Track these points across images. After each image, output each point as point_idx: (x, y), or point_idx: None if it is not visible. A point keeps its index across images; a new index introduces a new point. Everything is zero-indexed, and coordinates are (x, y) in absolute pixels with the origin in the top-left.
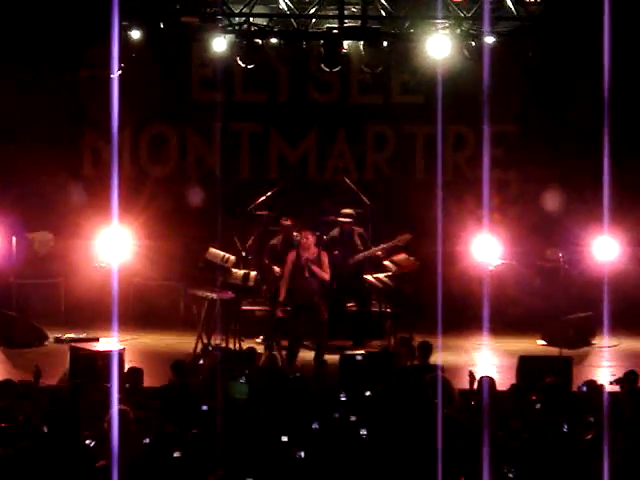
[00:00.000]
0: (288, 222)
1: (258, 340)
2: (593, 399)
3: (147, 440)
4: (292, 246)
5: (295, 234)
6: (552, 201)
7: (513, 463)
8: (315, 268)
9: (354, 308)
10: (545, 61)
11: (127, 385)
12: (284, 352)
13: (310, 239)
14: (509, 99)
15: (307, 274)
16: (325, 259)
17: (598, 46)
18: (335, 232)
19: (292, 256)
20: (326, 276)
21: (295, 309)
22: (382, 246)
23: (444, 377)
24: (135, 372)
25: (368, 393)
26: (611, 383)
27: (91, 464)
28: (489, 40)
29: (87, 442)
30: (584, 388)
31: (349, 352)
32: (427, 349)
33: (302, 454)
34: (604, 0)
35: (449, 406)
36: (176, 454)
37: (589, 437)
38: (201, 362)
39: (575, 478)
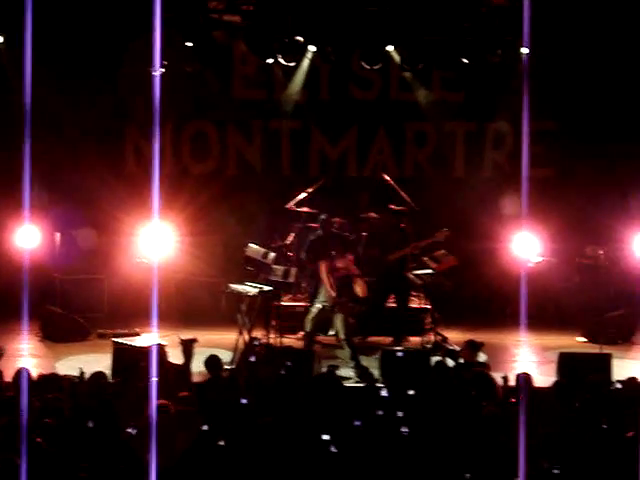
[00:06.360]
0: (336, 222)
1: (298, 336)
2: (633, 396)
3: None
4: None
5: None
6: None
7: (554, 459)
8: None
9: (393, 304)
10: (584, 57)
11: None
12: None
13: (350, 260)
14: (549, 96)
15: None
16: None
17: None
18: (374, 228)
19: (325, 267)
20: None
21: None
22: (419, 243)
23: (487, 374)
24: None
25: (412, 392)
26: None
27: (132, 458)
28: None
29: (128, 430)
30: (618, 385)
31: (389, 348)
32: (476, 346)
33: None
34: None
35: (491, 403)
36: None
37: (629, 435)
38: (252, 359)
39: (615, 475)
